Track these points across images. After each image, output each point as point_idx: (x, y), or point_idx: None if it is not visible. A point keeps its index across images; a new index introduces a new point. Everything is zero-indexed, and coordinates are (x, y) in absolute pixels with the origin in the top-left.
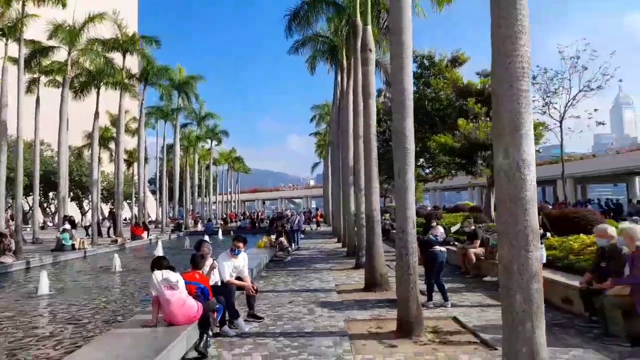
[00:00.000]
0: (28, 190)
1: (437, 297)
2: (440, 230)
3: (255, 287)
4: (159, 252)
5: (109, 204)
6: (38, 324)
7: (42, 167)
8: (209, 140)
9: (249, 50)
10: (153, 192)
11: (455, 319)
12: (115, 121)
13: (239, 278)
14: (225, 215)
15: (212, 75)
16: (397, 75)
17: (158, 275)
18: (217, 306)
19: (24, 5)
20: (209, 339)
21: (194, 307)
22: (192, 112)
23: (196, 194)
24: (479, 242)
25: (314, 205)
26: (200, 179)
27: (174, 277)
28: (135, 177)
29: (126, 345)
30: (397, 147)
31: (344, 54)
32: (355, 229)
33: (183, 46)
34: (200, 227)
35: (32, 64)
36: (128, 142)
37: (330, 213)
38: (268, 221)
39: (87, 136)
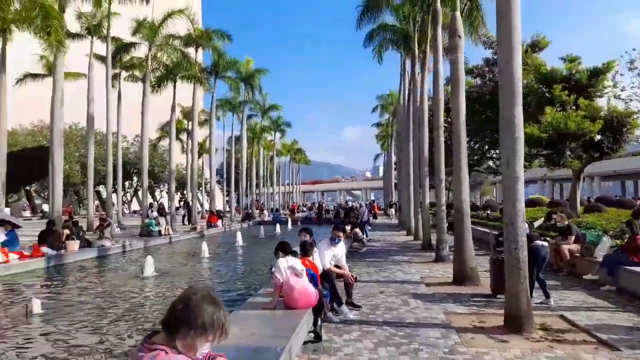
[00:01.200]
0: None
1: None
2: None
3: (354, 276)
4: (239, 241)
5: (178, 193)
6: (155, 302)
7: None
8: (272, 132)
9: (304, 41)
10: (218, 183)
11: (563, 317)
12: (186, 114)
13: (337, 267)
14: (290, 206)
15: (270, 66)
16: (506, 61)
17: (284, 262)
18: (325, 292)
19: (110, 4)
20: (321, 323)
21: (314, 293)
22: (257, 104)
23: (261, 185)
24: (573, 238)
25: (372, 198)
26: (264, 170)
27: (299, 265)
28: (202, 168)
29: (256, 324)
30: (505, 136)
31: (417, 42)
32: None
33: (240, 37)
34: (266, 217)
35: (115, 60)
36: (196, 134)
37: (387, 205)
38: (333, 213)
39: (160, 128)
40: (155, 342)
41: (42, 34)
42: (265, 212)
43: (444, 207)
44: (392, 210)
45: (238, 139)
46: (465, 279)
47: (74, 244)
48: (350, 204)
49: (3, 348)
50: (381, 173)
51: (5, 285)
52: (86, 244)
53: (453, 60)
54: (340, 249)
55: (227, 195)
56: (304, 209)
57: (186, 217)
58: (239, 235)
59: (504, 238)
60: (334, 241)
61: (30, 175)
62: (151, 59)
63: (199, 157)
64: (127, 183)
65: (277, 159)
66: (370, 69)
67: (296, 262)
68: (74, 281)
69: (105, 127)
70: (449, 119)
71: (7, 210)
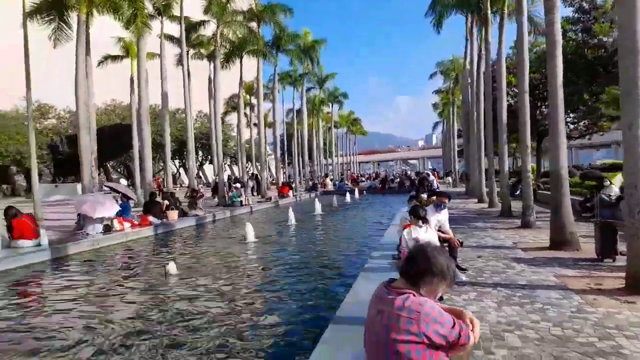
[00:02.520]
0: (175, 154)
1: None
2: (614, 190)
3: (460, 240)
4: (318, 209)
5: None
6: (271, 263)
7: (182, 134)
8: (329, 105)
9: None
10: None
11: None
12: (249, 88)
13: (441, 232)
14: (349, 177)
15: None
16: (627, 20)
17: (407, 233)
18: None
19: None
20: None
21: None
22: (315, 76)
23: (321, 156)
24: None
25: (430, 167)
26: (322, 142)
27: (423, 235)
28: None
29: None
30: (627, 99)
31: (489, 4)
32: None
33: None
34: (330, 187)
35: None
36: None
37: (445, 173)
38: (397, 182)
39: (226, 103)
40: (400, 287)
41: (123, 17)
42: (329, 181)
43: (529, 174)
44: (450, 179)
45: (298, 112)
46: (564, 244)
47: (174, 214)
48: (410, 173)
49: (150, 304)
50: (435, 142)
51: (129, 251)
52: (182, 214)
53: (549, 21)
54: (444, 214)
55: (287, 166)
56: (362, 179)
57: (255, 189)
58: (317, 204)
59: (626, 202)
60: (439, 207)
61: (110, 152)
62: (219, 36)
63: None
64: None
65: (335, 130)
66: (422, 41)
67: (421, 232)
68: (187, 246)
69: (184, 104)
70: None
71: (123, 181)
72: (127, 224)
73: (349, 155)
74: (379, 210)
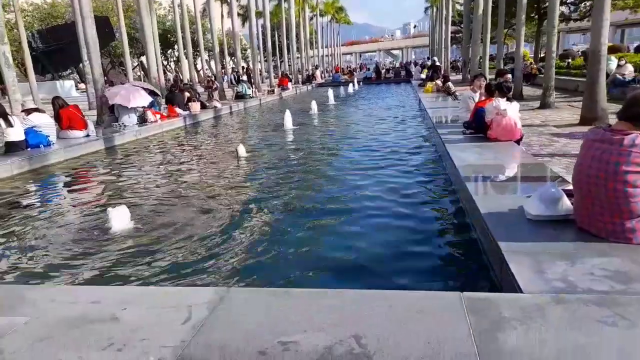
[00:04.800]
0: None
1: None
2: (629, 68)
3: None
4: (331, 99)
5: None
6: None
7: (160, 27)
8: None
9: None
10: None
11: None
12: None
13: None
14: (334, 68)
15: None
16: None
17: (490, 106)
18: None
19: None
20: None
21: (518, 131)
22: None
23: (308, 48)
24: None
25: (413, 57)
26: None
27: (504, 104)
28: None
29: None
30: None
31: None
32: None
33: None
34: (319, 79)
35: None
36: None
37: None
38: (392, 71)
39: None
40: (623, 129)
41: None
42: (319, 73)
43: (554, 55)
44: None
45: (279, 1)
46: (595, 120)
47: (196, 105)
48: (395, 63)
49: (225, 184)
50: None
51: (177, 140)
52: (202, 106)
53: None
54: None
55: (266, 60)
56: (345, 70)
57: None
58: (330, 93)
59: None
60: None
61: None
62: None
63: (245, 21)
64: (169, 52)
65: (321, 19)
66: None
67: (502, 104)
68: (230, 133)
69: None
70: None
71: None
72: (157, 116)
73: (333, 47)
74: (390, 96)
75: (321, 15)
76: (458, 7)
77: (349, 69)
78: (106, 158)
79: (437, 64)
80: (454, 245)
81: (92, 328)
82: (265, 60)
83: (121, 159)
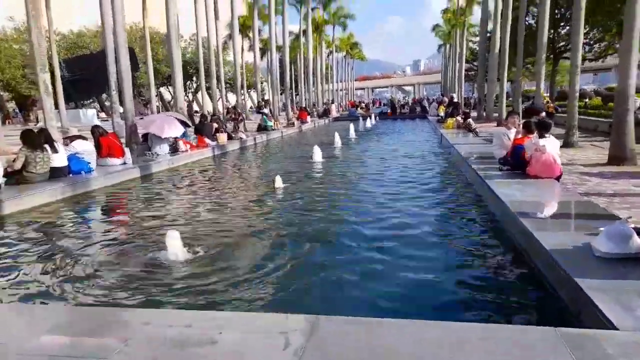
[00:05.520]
0: (170, 80)
1: None
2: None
3: None
4: (352, 133)
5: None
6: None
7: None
8: (331, 26)
9: None
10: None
11: None
12: (249, 6)
13: None
14: (348, 103)
15: None
16: None
17: (530, 143)
18: None
19: None
20: None
21: (558, 167)
22: None
23: (324, 82)
24: None
25: (424, 93)
26: (321, 67)
27: (542, 141)
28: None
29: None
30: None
31: None
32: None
33: None
34: (335, 113)
35: None
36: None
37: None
38: (407, 107)
39: (229, 25)
40: None
41: None
42: (333, 108)
43: (576, 94)
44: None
45: (297, 37)
46: (623, 160)
47: (223, 136)
48: (407, 98)
49: (266, 213)
50: (422, 68)
51: (210, 169)
52: (228, 137)
53: None
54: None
55: (282, 93)
56: (363, 105)
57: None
58: (351, 127)
59: None
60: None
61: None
62: None
63: (264, 54)
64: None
65: (336, 54)
66: None
67: (541, 141)
68: (260, 163)
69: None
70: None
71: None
72: (187, 146)
73: (347, 82)
74: (409, 132)
75: (336, 51)
76: (471, 44)
77: (364, 103)
78: (145, 185)
79: (456, 100)
80: (515, 281)
81: (195, 351)
82: (281, 93)
83: (159, 186)
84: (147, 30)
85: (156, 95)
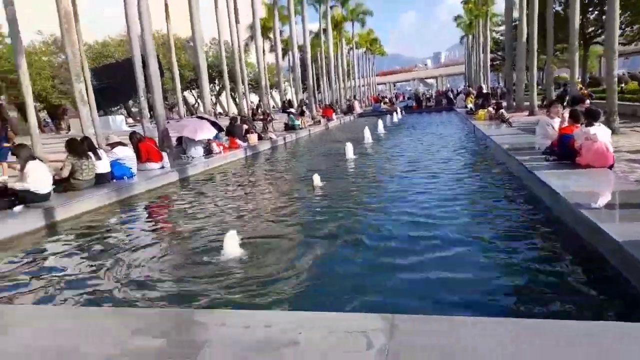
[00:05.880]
0: (192, 84)
1: None
2: None
3: None
4: (380, 128)
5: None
6: (393, 172)
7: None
8: (350, 23)
9: None
10: (294, 80)
11: None
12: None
13: None
14: (371, 98)
15: None
16: None
17: (580, 132)
18: None
19: None
20: None
21: (611, 156)
22: None
23: (346, 79)
24: None
25: (448, 85)
26: (341, 64)
27: (593, 129)
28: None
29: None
30: None
31: None
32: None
33: None
34: (358, 109)
35: None
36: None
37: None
38: (433, 100)
39: (250, 27)
40: None
41: None
42: (357, 103)
43: (615, 79)
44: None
45: (317, 35)
46: None
47: (254, 137)
48: (429, 91)
49: (309, 211)
50: (443, 60)
51: (245, 170)
52: (258, 137)
53: None
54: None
55: (304, 91)
56: (386, 99)
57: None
58: (379, 122)
59: None
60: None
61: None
62: None
63: (285, 54)
64: (210, 86)
65: (356, 51)
66: None
67: (591, 130)
68: (293, 162)
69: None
70: None
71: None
72: (219, 147)
73: (368, 77)
74: (439, 124)
75: (357, 48)
76: (494, 34)
77: (387, 98)
78: (185, 188)
79: (485, 91)
80: (588, 275)
81: (280, 352)
82: (303, 91)
83: (200, 188)
84: (171, 37)
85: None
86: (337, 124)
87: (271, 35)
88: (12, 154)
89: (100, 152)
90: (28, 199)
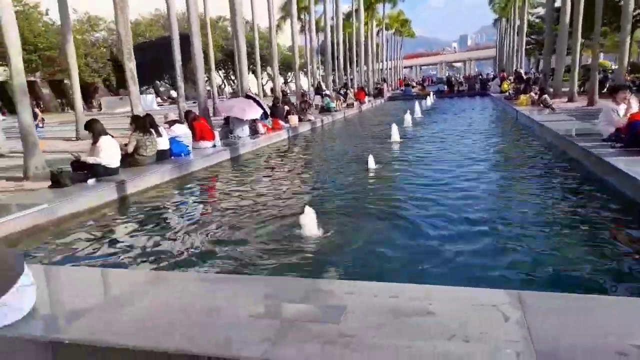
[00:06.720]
0: (220, 65)
1: None
2: None
3: None
4: (417, 112)
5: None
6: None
7: (227, 43)
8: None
9: None
10: (322, 63)
11: None
12: None
13: None
14: (397, 82)
15: None
16: None
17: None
18: None
19: None
20: None
21: None
22: None
23: (375, 60)
24: None
25: (476, 69)
26: (371, 46)
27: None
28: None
29: None
30: None
31: None
32: None
33: None
34: (387, 93)
35: None
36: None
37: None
38: (466, 84)
39: (282, 8)
40: None
41: None
42: (386, 87)
43: None
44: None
45: (348, 15)
46: None
47: (295, 118)
48: (458, 76)
49: (375, 192)
50: (469, 43)
51: (294, 150)
52: (298, 119)
53: None
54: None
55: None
56: (414, 84)
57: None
58: (416, 105)
59: None
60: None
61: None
62: None
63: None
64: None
65: (385, 32)
66: None
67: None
68: (339, 144)
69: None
70: None
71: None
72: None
73: (395, 60)
74: (475, 108)
75: (386, 29)
76: (530, 17)
77: (415, 82)
78: (240, 165)
79: (524, 76)
80: None
81: (421, 319)
82: (333, 73)
83: (253, 166)
84: (208, 18)
85: (207, 81)
86: (370, 107)
87: (302, 16)
88: (85, 128)
89: (161, 129)
90: (100, 172)
